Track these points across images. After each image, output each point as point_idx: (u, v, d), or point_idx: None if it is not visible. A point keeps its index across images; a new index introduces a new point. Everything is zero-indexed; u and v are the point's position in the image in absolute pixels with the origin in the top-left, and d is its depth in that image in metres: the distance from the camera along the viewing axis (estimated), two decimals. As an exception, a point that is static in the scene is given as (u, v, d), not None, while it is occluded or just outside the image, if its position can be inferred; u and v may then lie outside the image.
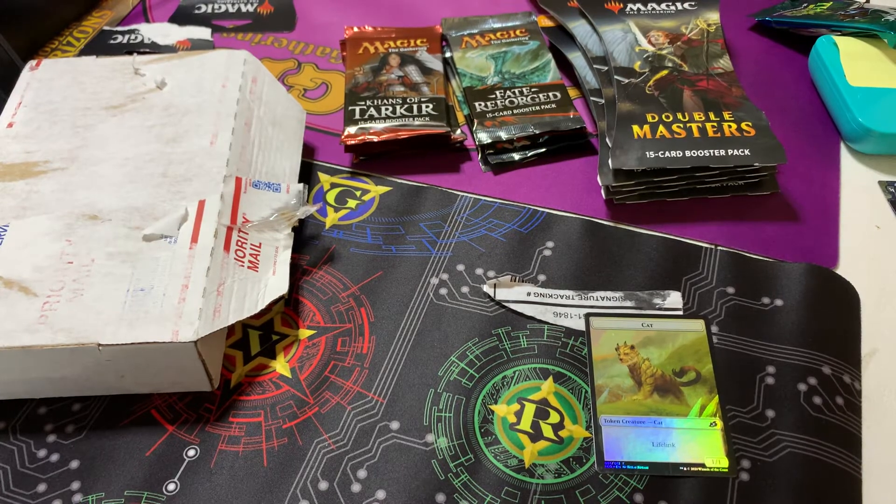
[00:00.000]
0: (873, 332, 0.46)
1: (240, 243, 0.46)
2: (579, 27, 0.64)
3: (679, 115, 0.55)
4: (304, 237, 0.52)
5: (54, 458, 0.41)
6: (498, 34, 0.66)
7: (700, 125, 0.54)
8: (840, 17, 0.63)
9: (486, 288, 0.48)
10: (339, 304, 0.48)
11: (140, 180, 0.48)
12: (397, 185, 0.55)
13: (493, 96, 0.60)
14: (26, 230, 0.45)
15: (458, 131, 0.58)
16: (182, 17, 0.73)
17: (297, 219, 0.49)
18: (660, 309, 0.47)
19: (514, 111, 0.59)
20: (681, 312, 0.47)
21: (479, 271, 0.49)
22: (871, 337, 0.46)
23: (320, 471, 0.40)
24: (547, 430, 0.42)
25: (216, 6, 0.74)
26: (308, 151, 0.58)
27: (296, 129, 0.56)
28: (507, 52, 0.64)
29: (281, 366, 0.45)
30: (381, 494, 0.39)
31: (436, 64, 0.63)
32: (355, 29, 0.67)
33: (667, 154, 0.52)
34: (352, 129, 0.57)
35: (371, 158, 0.58)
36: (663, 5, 0.65)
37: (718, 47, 0.61)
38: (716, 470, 0.40)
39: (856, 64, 0.59)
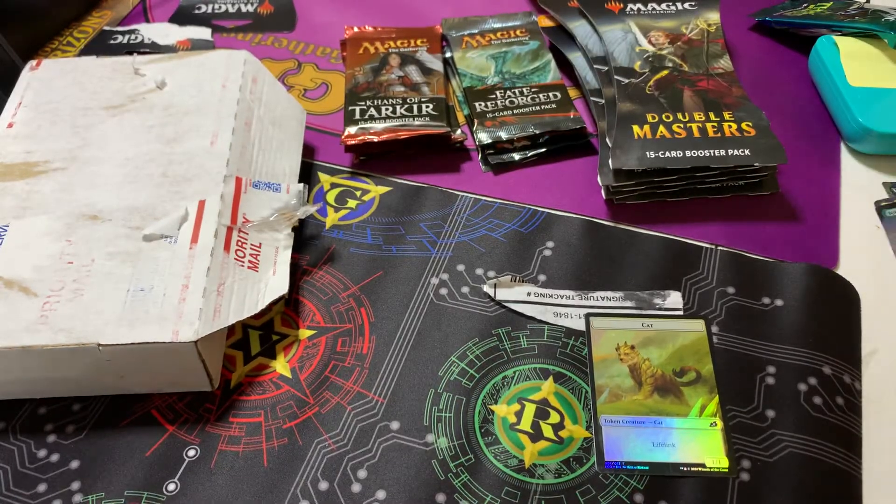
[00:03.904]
0: (873, 332, 0.46)
1: (240, 243, 0.46)
2: (579, 27, 0.64)
3: (679, 115, 0.55)
4: (304, 237, 0.52)
5: (54, 458, 0.41)
6: (498, 34, 0.66)
7: (700, 125, 0.54)
8: (840, 17, 0.63)
9: (486, 288, 0.48)
10: (339, 304, 0.48)
11: (140, 180, 0.48)
12: (397, 185, 0.55)
13: (494, 96, 0.60)
14: (26, 230, 0.45)
15: (459, 131, 0.58)
16: (182, 17, 0.73)
17: (297, 219, 0.49)
18: (660, 309, 0.47)
19: (515, 111, 0.59)
20: (681, 312, 0.47)
21: (480, 271, 0.49)
22: (871, 337, 0.46)
23: (320, 471, 0.40)
24: (547, 430, 0.42)
25: (216, 6, 0.74)
26: (308, 151, 0.58)
27: (296, 129, 0.56)
28: (507, 52, 0.64)
29: (281, 366, 0.45)
30: (381, 494, 0.39)
31: (436, 64, 0.63)
32: (355, 29, 0.67)
33: (667, 154, 0.52)
34: (352, 129, 0.57)
35: (371, 158, 0.58)
36: (664, 5, 0.65)
37: (719, 47, 0.61)
38: (716, 470, 0.40)
39: (856, 64, 0.59)
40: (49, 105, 0.53)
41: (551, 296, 0.48)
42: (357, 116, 0.58)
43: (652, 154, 0.52)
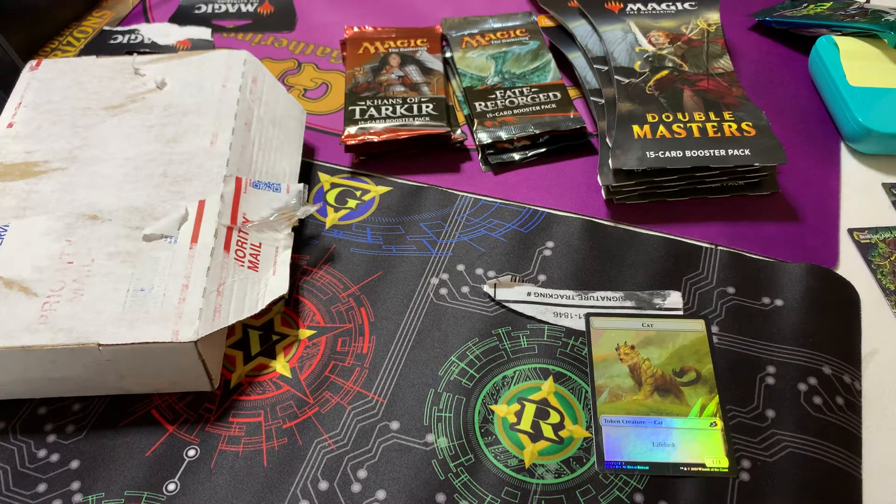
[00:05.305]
0: (873, 332, 0.46)
1: (240, 243, 0.46)
2: (579, 27, 0.64)
3: (679, 115, 0.55)
4: (304, 237, 0.52)
5: (54, 458, 0.41)
6: (498, 34, 0.66)
7: (700, 125, 0.54)
8: (840, 17, 0.63)
9: (486, 288, 0.48)
10: (339, 304, 0.48)
11: (140, 180, 0.48)
12: (397, 185, 0.55)
13: (494, 96, 0.60)
14: (26, 230, 0.45)
15: (459, 131, 0.58)
16: (182, 17, 0.73)
17: (297, 219, 0.49)
18: (660, 309, 0.47)
19: (515, 111, 0.59)
20: (681, 312, 0.47)
21: (480, 271, 0.49)
22: (871, 337, 0.46)
23: (320, 471, 0.40)
24: (547, 430, 0.42)
25: (216, 6, 0.74)
26: (308, 151, 0.58)
27: (296, 129, 0.56)
28: (507, 52, 0.64)
29: (281, 366, 0.45)
30: (381, 494, 0.39)
31: (436, 64, 0.63)
32: (355, 29, 0.67)
33: (667, 154, 0.52)
34: (352, 129, 0.57)
35: (371, 158, 0.58)
36: (663, 5, 0.65)
37: (719, 47, 0.61)
38: (716, 470, 0.40)
39: (856, 64, 0.59)
40: (49, 105, 0.53)
41: (551, 296, 0.48)
42: (357, 116, 0.58)
43: (652, 154, 0.52)
